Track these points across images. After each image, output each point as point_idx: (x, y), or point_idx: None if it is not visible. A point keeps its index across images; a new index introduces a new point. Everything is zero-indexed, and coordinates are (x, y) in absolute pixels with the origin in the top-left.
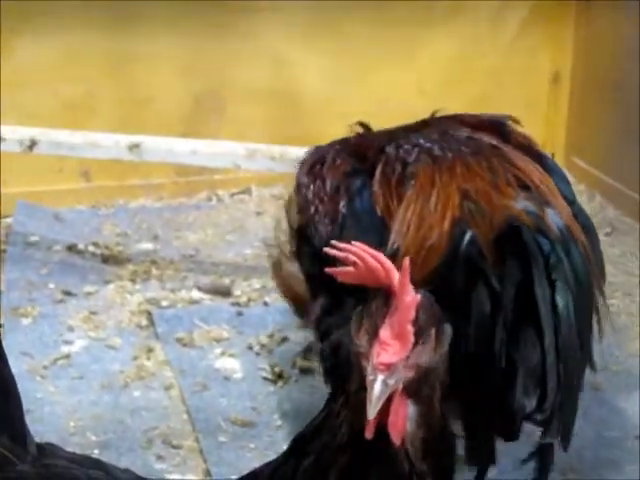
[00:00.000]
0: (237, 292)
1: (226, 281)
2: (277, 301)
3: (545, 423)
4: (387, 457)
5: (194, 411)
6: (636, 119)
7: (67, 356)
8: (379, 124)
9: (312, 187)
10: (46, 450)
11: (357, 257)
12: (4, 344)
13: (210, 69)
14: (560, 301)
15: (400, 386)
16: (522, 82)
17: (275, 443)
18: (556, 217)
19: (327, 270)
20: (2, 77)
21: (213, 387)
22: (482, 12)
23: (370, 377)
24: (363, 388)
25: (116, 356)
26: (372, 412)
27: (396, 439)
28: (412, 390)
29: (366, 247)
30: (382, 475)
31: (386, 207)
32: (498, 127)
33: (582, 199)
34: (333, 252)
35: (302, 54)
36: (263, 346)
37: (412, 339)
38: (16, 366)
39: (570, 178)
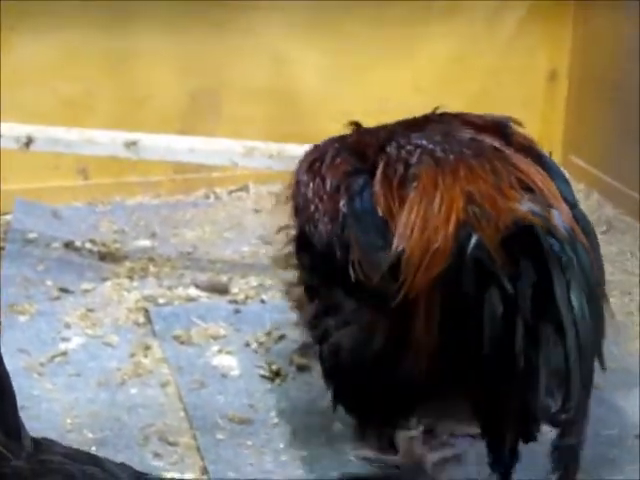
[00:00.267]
0: (234, 290)
1: (223, 279)
2: (274, 299)
3: (568, 423)
4: None
5: (191, 408)
6: (634, 117)
7: (64, 353)
8: (377, 122)
9: (312, 185)
10: (42, 445)
11: None
12: (1, 341)
13: (208, 67)
14: (575, 300)
15: None
16: (520, 80)
17: (272, 440)
18: (561, 219)
19: None
20: (1, 75)
21: (210, 384)
22: (479, 11)
23: None
24: None
25: (113, 353)
26: None
27: None
28: None
29: None
30: None
31: (387, 208)
32: (500, 128)
33: (579, 197)
34: None
35: (300, 52)
36: (260, 344)
37: None
38: (13, 363)
39: (567, 176)
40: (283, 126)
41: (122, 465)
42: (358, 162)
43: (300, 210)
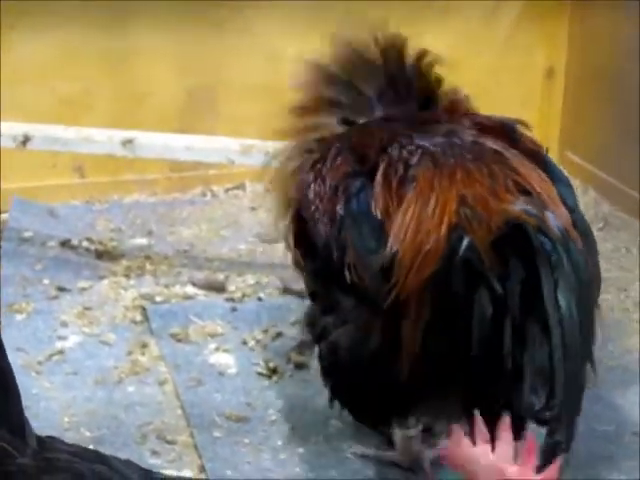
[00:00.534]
0: (231, 287)
1: (220, 277)
2: (271, 297)
3: (553, 421)
4: None
5: (188, 406)
6: (630, 115)
7: (61, 352)
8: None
9: (313, 186)
10: (47, 443)
11: None
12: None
13: (206, 65)
14: (562, 300)
15: None
16: (517, 78)
17: (270, 438)
18: (555, 220)
19: None
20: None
21: (207, 382)
22: (477, 9)
23: None
24: None
25: (110, 352)
26: None
27: None
28: None
29: None
30: None
31: (385, 208)
32: (508, 131)
33: (575, 193)
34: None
35: (298, 50)
36: (257, 341)
37: None
38: (11, 362)
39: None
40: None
41: (128, 462)
42: (358, 163)
43: (302, 209)
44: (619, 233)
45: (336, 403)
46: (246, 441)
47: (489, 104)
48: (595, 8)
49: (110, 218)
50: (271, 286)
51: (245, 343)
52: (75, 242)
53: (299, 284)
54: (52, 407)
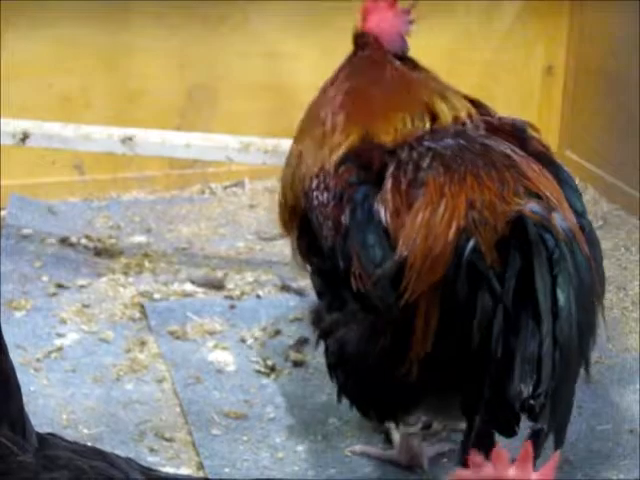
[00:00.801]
0: (230, 285)
1: (219, 274)
2: (270, 294)
3: (537, 408)
4: None
5: (187, 404)
6: (630, 113)
7: (60, 349)
8: None
9: (317, 193)
10: (48, 441)
11: None
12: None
13: (204, 63)
14: (561, 295)
15: None
16: (516, 75)
17: (268, 436)
18: (563, 222)
19: None
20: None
21: (206, 380)
22: (476, 6)
23: None
24: None
25: (109, 349)
26: None
27: None
28: None
29: None
30: None
31: (395, 210)
32: (517, 132)
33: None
34: None
35: (296, 48)
36: (256, 339)
37: None
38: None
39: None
40: (279, 121)
41: (128, 459)
42: (362, 171)
43: (309, 214)
44: (618, 231)
45: (343, 398)
46: (244, 439)
47: (488, 102)
48: (594, 6)
49: (109, 215)
50: (270, 284)
51: (243, 341)
52: (74, 239)
53: (297, 282)
54: (50, 404)
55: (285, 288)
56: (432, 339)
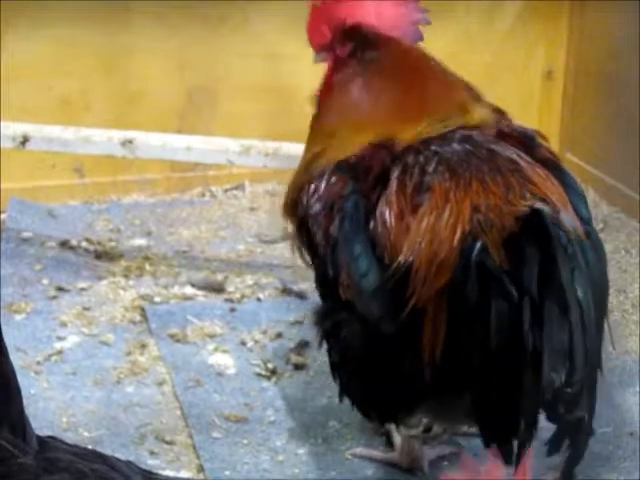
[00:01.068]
0: (230, 288)
1: (219, 277)
2: (270, 297)
3: (574, 397)
4: None
5: (187, 407)
6: (630, 115)
7: (60, 352)
8: None
9: (312, 203)
10: (48, 443)
11: None
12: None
13: (205, 64)
14: (579, 289)
15: None
16: (516, 78)
17: (268, 439)
18: (571, 221)
19: None
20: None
21: (206, 383)
22: (475, 8)
23: None
24: None
25: (109, 352)
26: None
27: None
28: None
29: None
30: None
31: (400, 213)
32: (526, 140)
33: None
34: None
35: (296, 49)
36: (256, 342)
37: None
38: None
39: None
40: (280, 124)
41: (128, 462)
42: (354, 182)
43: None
44: (618, 234)
45: (345, 398)
46: (245, 442)
47: None
48: (594, 8)
49: (109, 218)
50: (270, 287)
51: (244, 344)
52: (74, 242)
53: (298, 285)
54: (50, 407)
55: (286, 291)
56: (442, 343)
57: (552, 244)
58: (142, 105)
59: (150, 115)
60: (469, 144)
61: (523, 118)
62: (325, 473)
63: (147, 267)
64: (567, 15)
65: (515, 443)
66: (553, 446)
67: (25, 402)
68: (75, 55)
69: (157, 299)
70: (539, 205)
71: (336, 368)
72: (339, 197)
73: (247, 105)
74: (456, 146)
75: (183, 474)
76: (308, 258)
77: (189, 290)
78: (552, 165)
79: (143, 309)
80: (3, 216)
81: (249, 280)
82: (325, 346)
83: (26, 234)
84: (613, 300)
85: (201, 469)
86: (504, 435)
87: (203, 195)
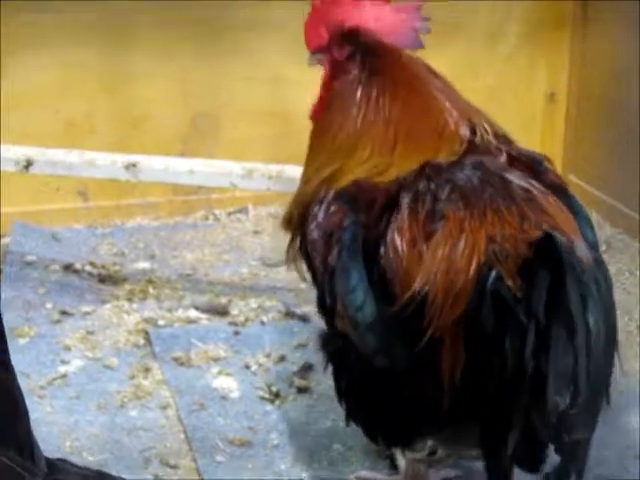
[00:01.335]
0: (234, 311)
1: (223, 300)
2: (274, 320)
3: (575, 418)
4: None
5: (191, 430)
6: (632, 138)
7: (64, 376)
8: None
9: (311, 229)
10: (57, 465)
11: None
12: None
13: (208, 89)
14: (590, 317)
15: None
16: (518, 101)
17: (272, 462)
18: (584, 251)
19: None
20: (0, 97)
21: (210, 406)
22: (477, 32)
23: None
24: None
25: (113, 376)
26: None
27: None
28: None
29: None
30: None
31: (412, 240)
32: (534, 165)
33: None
34: None
35: (299, 74)
36: (260, 365)
37: None
38: None
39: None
40: (283, 147)
41: None
42: (354, 213)
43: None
44: (622, 256)
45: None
46: (249, 466)
47: None
48: (596, 32)
49: (113, 242)
50: (274, 310)
51: (248, 367)
52: (78, 266)
53: (302, 308)
54: (54, 431)
55: (289, 314)
56: (461, 371)
57: (562, 267)
58: (146, 129)
59: (153, 139)
60: (481, 171)
61: (526, 140)
62: None
63: (151, 290)
64: (569, 38)
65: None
66: (559, 475)
67: None
68: (80, 79)
69: (161, 322)
70: (551, 230)
71: (342, 393)
72: (338, 227)
73: (250, 129)
74: (468, 173)
75: None
76: (307, 273)
77: (193, 313)
78: (559, 189)
79: (147, 332)
80: (7, 240)
81: (253, 303)
82: (330, 370)
83: (30, 258)
84: (618, 322)
85: None
86: (509, 461)
87: (206, 218)
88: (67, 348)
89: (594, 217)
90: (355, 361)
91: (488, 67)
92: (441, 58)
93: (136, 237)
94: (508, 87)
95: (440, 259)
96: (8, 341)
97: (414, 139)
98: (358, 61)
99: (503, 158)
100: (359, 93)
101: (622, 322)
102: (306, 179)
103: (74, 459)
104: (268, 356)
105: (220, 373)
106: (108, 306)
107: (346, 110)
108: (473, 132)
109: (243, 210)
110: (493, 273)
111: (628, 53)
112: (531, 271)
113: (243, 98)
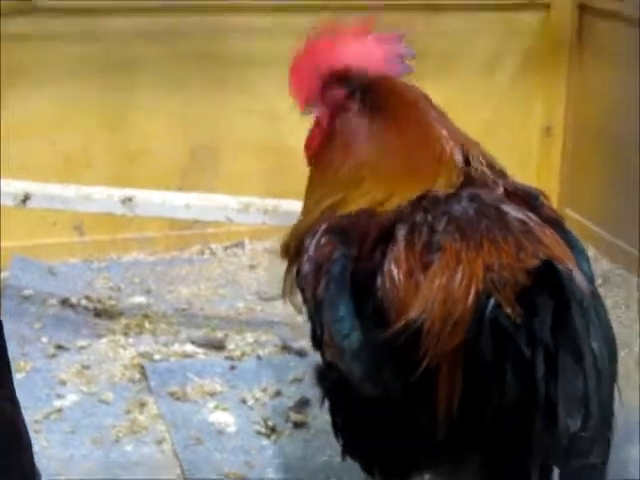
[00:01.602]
0: (230, 346)
1: (219, 335)
2: (270, 355)
3: (589, 442)
4: None
5: (187, 465)
6: (628, 172)
7: (59, 410)
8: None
9: (303, 261)
10: None
11: None
12: None
13: (206, 123)
14: (594, 342)
15: None
16: (514, 134)
17: None
18: (583, 280)
19: None
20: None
21: (206, 441)
22: (473, 64)
23: None
24: None
25: (108, 410)
26: None
27: None
28: None
29: None
30: None
31: (409, 271)
32: (530, 199)
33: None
34: None
35: (296, 109)
36: (256, 400)
37: None
38: None
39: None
40: (280, 181)
41: None
42: (344, 246)
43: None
44: (619, 290)
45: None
46: None
47: None
48: (593, 64)
49: (109, 276)
50: (270, 344)
51: (244, 401)
52: (74, 300)
53: (298, 342)
54: (50, 466)
55: (286, 349)
56: (458, 401)
57: (565, 292)
58: (143, 163)
59: (151, 173)
60: (477, 203)
61: (522, 173)
62: None
63: (147, 325)
64: (565, 70)
65: None
66: None
67: None
68: (77, 112)
69: (157, 357)
70: (550, 258)
71: (339, 428)
72: (327, 260)
73: (248, 163)
74: (465, 205)
75: None
76: (302, 306)
77: (189, 348)
78: (555, 223)
79: (143, 367)
80: (6, 274)
81: (249, 338)
82: (327, 405)
83: (27, 292)
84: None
85: None
86: None
87: (202, 253)
88: (63, 382)
89: (591, 251)
90: (350, 393)
91: (484, 100)
92: (436, 90)
93: (132, 271)
94: (504, 120)
95: (437, 289)
96: None
97: (414, 168)
98: (358, 99)
99: (500, 191)
100: (361, 129)
101: (619, 355)
102: (306, 211)
103: None
104: (264, 391)
105: (216, 408)
106: (104, 340)
107: (348, 146)
108: (467, 162)
109: (239, 244)
110: (491, 301)
111: (624, 86)
112: (531, 298)
113: (242, 132)
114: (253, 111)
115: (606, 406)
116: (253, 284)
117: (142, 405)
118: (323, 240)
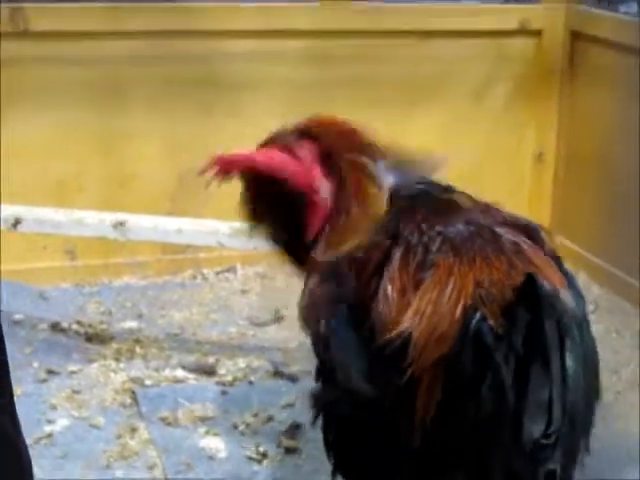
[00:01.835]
0: (222, 371)
1: (211, 360)
2: (262, 380)
3: (549, 448)
4: None
5: None
6: (619, 198)
7: (50, 435)
8: None
9: (304, 298)
10: None
11: None
12: None
13: (196, 147)
14: (568, 355)
15: None
16: (506, 161)
17: None
18: (570, 300)
19: None
20: None
21: (197, 466)
22: (464, 91)
23: None
24: None
25: (99, 435)
26: None
27: None
28: None
29: None
30: None
31: (402, 289)
32: (528, 230)
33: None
34: None
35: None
36: (248, 425)
37: None
38: None
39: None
40: None
41: None
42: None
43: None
44: (610, 316)
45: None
46: None
47: (476, 186)
48: (584, 91)
49: (100, 301)
50: (262, 370)
51: (235, 427)
52: (65, 325)
53: (290, 367)
54: None
55: (277, 374)
56: (434, 409)
57: (540, 303)
58: (134, 188)
59: (142, 198)
60: (473, 225)
61: (514, 200)
62: None
63: (138, 350)
64: (557, 97)
65: None
66: None
67: None
68: (70, 138)
69: (148, 382)
70: (533, 273)
71: (331, 446)
72: (325, 301)
73: (239, 187)
74: (460, 227)
75: None
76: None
77: (180, 373)
78: (551, 256)
79: (134, 392)
80: None
81: (241, 363)
82: (319, 425)
83: (17, 317)
84: (606, 382)
85: None
86: None
87: (194, 277)
88: (53, 407)
89: (582, 278)
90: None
91: (475, 126)
92: (428, 118)
93: (123, 296)
94: (496, 147)
95: (427, 302)
96: None
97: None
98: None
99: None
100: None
101: (610, 381)
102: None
103: None
104: (256, 416)
105: (207, 433)
106: (95, 365)
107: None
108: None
109: (231, 269)
110: (477, 315)
111: (617, 113)
112: (513, 311)
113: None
114: (243, 135)
115: (573, 418)
116: (245, 309)
117: (133, 430)
118: (323, 277)
